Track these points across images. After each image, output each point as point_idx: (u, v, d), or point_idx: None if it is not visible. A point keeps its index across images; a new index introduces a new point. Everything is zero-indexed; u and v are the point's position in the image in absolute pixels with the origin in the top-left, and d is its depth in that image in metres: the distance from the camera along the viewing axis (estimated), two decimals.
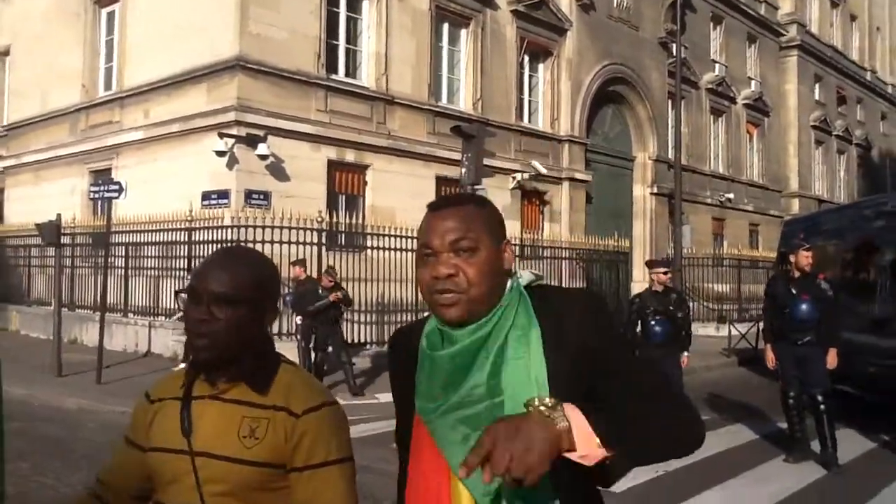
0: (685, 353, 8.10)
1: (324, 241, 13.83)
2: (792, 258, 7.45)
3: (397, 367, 1.70)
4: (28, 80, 21.22)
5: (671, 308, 7.90)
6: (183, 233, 14.21)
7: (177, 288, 12.70)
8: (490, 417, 1.41)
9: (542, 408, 1.29)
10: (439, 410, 1.50)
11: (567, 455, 1.27)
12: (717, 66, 29.39)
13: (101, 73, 18.91)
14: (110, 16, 18.74)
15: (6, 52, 23.96)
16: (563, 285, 15.65)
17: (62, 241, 12.84)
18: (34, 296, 18.39)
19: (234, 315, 1.63)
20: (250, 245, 12.84)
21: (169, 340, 13.71)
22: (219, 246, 13.22)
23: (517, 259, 11.68)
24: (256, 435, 1.62)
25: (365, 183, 16.70)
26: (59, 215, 12.50)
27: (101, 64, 18.92)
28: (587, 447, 1.28)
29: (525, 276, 1.60)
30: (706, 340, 16.96)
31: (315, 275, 12.50)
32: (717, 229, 28.51)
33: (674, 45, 21.52)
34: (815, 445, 7.16)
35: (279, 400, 1.66)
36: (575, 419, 1.29)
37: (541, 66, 21.63)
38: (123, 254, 15.28)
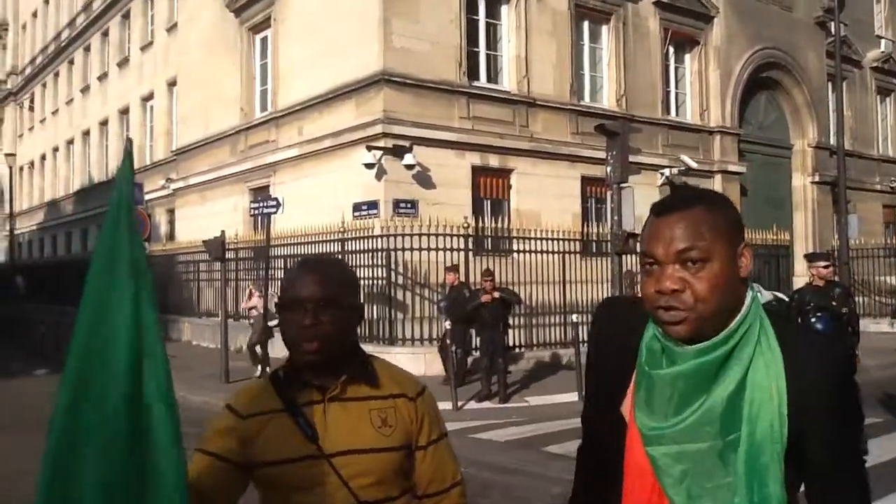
0: (856, 351, 7.60)
1: (470, 246, 13.98)
2: None
3: (604, 348, 1.57)
4: (192, 107, 22.76)
5: (834, 304, 7.43)
6: (336, 244, 14.75)
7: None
8: (716, 457, 1.33)
9: None
10: (657, 434, 1.39)
11: None
12: (882, 41, 27.39)
13: (257, 95, 19.98)
14: (263, 41, 19.78)
15: (174, 83, 25.87)
16: None
17: (227, 255, 13.66)
18: (203, 308, 19.65)
19: (339, 317, 1.73)
20: (400, 254, 13.21)
21: None
22: (371, 255, 13.68)
23: None
24: (389, 423, 1.75)
25: (509, 187, 16.75)
26: (223, 232, 13.31)
27: (257, 87, 19.99)
28: None
29: (765, 294, 1.50)
30: (880, 337, 15.85)
31: (465, 280, 12.67)
32: (889, 217, 26.55)
33: (832, 24, 20.26)
34: None
35: (393, 389, 1.80)
36: None
37: (687, 57, 20.94)
38: (282, 265, 16.04)
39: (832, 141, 22.11)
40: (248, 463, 1.73)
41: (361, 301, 1.87)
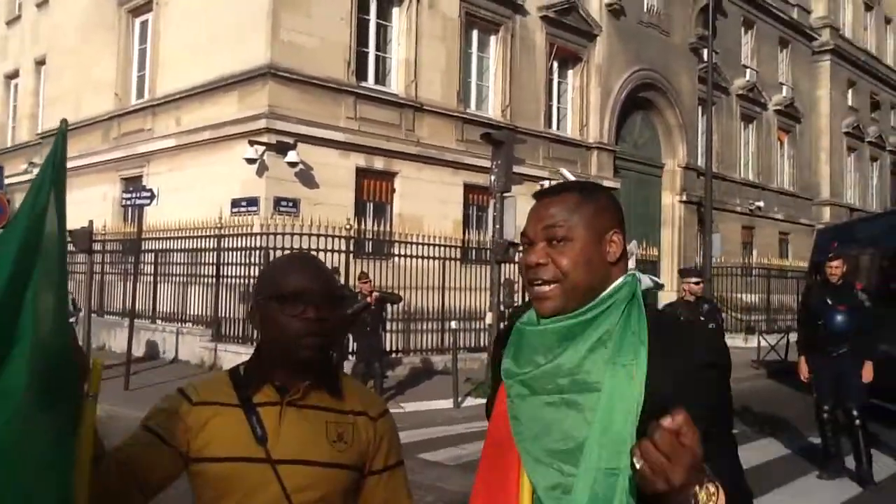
0: None
1: (351, 248, 13.85)
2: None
3: (500, 343, 1.63)
4: (63, 89, 21.54)
5: (702, 318, 7.78)
6: (212, 240, 14.30)
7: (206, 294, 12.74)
8: (566, 409, 1.39)
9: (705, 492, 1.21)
10: (518, 383, 1.46)
11: None
12: (748, 71, 29.11)
13: (133, 81, 19.14)
14: (143, 25, 18.97)
15: (42, 62, 24.40)
16: None
17: (94, 247, 12.99)
18: None
19: (337, 315, 1.65)
20: (279, 253, 12.89)
21: (196, 347, 13.80)
22: (247, 253, 13.30)
23: None
24: (345, 439, 1.64)
25: (393, 190, 16.70)
26: (90, 222, 12.63)
27: (134, 73, 19.15)
28: None
29: (644, 280, 1.56)
30: (734, 352, 16.32)
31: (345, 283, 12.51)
32: (747, 238, 28.18)
33: (705, 51, 21.33)
34: (850, 461, 7.02)
35: (356, 405, 1.70)
36: None
37: (570, 73, 21.53)
38: (153, 260, 15.42)
39: (700, 162, 23.26)
40: (187, 453, 1.60)
41: None
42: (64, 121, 1.54)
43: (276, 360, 1.64)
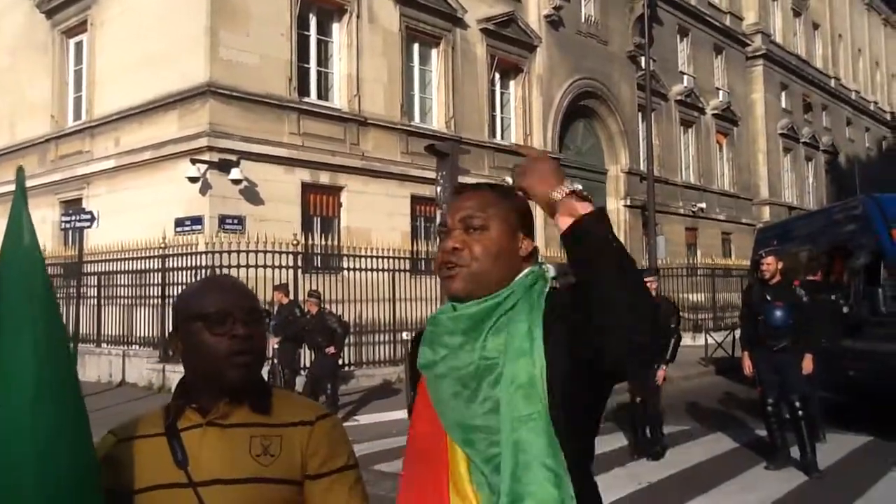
0: (662, 367, 8.12)
1: (300, 263, 13.76)
2: None
3: (415, 346, 1.72)
4: None
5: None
6: (156, 260, 14.08)
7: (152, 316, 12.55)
8: (480, 376, 1.50)
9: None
10: (437, 367, 1.57)
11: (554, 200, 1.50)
12: (685, 77, 29.76)
13: (70, 103, 18.79)
14: (78, 46, 18.64)
15: None
16: None
17: None
18: None
19: (262, 331, 1.62)
20: (226, 270, 12.75)
21: (143, 369, 13.54)
22: (193, 273, 13.12)
23: None
24: (271, 452, 1.56)
25: (340, 204, 16.67)
26: None
27: (70, 94, 18.80)
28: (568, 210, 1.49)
29: (552, 269, 1.63)
30: (683, 350, 16.85)
31: (294, 298, 12.41)
32: (691, 239, 28.73)
33: (642, 59, 21.75)
34: (796, 451, 7.20)
35: (289, 416, 1.61)
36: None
37: (512, 83, 21.77)
38: (96, 283, 15.11)
39: (642, 167, 23.68)
40: (119, 492, 1.53)
41: None
42: (20, 168, 1.57)
43: (202, 385, 1.59)
